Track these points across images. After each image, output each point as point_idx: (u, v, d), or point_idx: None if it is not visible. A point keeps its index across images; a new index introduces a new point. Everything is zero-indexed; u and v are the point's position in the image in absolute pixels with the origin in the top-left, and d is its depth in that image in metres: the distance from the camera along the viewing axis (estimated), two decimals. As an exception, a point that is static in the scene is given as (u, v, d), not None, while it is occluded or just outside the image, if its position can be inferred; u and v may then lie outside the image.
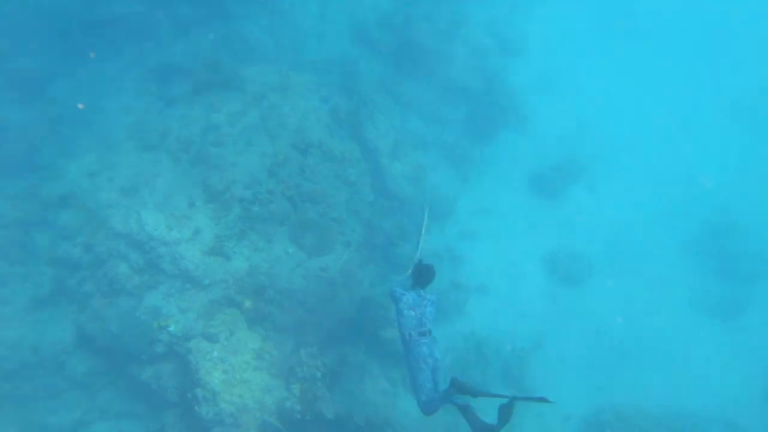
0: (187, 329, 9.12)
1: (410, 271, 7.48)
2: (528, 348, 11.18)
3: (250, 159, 10.14)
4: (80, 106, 9.44)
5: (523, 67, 13.46)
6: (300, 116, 10.77)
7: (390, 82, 12.42)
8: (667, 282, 12.19)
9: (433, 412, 6.43)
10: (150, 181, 9.91)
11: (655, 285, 12.10)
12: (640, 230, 12.67)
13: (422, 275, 7.07)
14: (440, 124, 12.64)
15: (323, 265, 9.86)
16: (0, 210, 10.57)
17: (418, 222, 11.46)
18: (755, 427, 10.89)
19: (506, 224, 12.11)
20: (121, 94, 11.62)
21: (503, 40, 13.67)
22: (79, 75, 12.14)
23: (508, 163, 12.65)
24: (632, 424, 10.39)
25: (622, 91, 14.79)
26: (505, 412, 5.58)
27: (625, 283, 11.84)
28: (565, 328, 11.50)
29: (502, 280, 11.60)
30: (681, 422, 10.52)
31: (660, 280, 12.17)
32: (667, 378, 11.31)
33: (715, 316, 12.16)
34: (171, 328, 9.21)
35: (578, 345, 11.59)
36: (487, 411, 5.42)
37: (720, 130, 14.44)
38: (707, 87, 15.39)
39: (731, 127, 14.35)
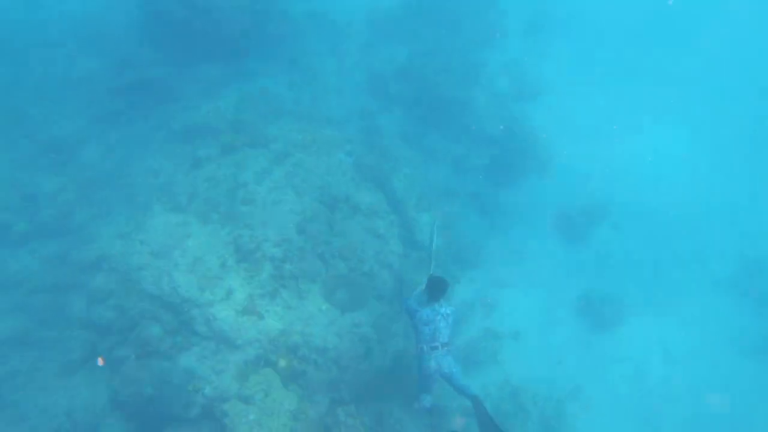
0: (222, 391, 9.06)
1: (424, 286, 7.68)
2: (565, 396, 10.90)
3: (279, 217, 10.28)
4: (100, 361, 9.73)
5: (542, 111, 13.66)
6: (325, 171, 10.97)
7: (411, 133, 12.64)
8: (704, 322, 11.91)
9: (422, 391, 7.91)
10: (180, 242, 10.05)
11: (692, 325, 11.83)
12: (672, 269, 12.48)
13: (435, 288, 7.57)
14: (463, 172, 12.76)
15: (356, 320, 9.83)
16: (35, 274, 10.83)
17: (443, 274, 11.47)
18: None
19: (535, 269, 12.03)
20: (148, 156, 11.93)
21: (521, 85, 13.93)
22: (108, 139, 12.50)
23: (533, 207, 12.67)
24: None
25: (646, 128, 14.86)
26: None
27: (660, 325, 11.58)
28: (602, 374, 11.26)
29: (534, 326, 11.45)
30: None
31: (697, 320, 11.90)
32: (711, 424, 10.92)
33: (755, 355, 11.81)
34: (206, 391, 9.16)
35: (616, 391, 11.30)
36: None
37: (751, 164, 14.35)
38: (737, 119, 15.36)
39: (764, 160, 14.26)
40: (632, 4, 17.89)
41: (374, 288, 10.43)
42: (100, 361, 9.70)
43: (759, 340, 12.03)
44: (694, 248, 12.98)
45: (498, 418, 6.01)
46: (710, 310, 12.35)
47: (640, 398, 11.22)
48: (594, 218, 12.49)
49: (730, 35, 17.75)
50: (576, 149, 13.58)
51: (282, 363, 9.37)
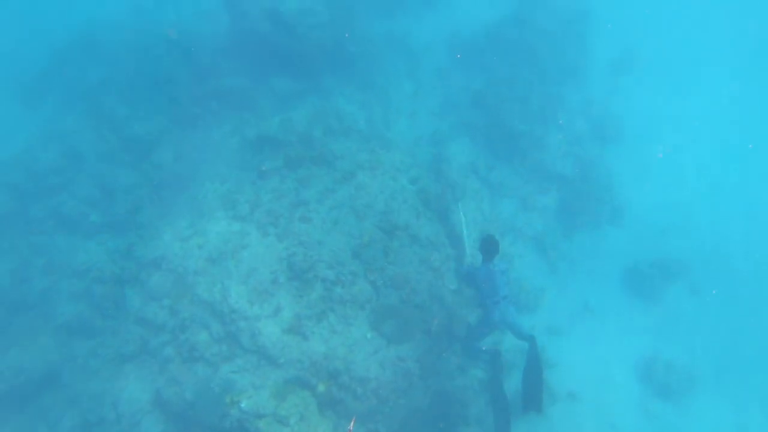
0: (258, 407, 9.01)
1: (465, 265, 9.35)
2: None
3: (335, 238, 10.19)
4: None
5: (620, 155, 12.92)
6: (388, 197, 10.80)
7: (480, 164, 12.29)
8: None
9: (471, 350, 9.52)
10: (237, 252, 10.18)
11: (769, 406, 10.67)
12: (752, 342, 11.34)
13: (488, 247, 8.86)
14: (530, 211, 12.24)
15: (401, 354, 9.55)
16: (101, 265, 11.33)
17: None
18: None
19: (597, 323, 11.29)
20: (218, 162, 12.24)
21: (600, 126, 13.25)
22: (182, 142, 12.98)
23: (602, 256, 11.95)
24: None
25: (731, 182, 13.69)
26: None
27: (735, 407, 10.50)
28: (661, 447, 10.31)
29: (590, 386, 10.66)
30: None
31: (775, 400, 10.71)
32: None
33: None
34: (243, 404, 9.14)
35: (675, 467, 10.33)
36: None
37: None
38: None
39: None
40: (730, 47, 16.77)
41: (423, 321, 10.12)
42: None
43: None
44: (780, 321, 11.76)
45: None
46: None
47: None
48: (669, 275, 11.58)
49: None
50: (654, 199, 12.73)
51: (321, 387, 9.23)
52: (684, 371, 10.76)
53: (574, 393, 10.38)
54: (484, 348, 9.70)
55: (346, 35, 13.81)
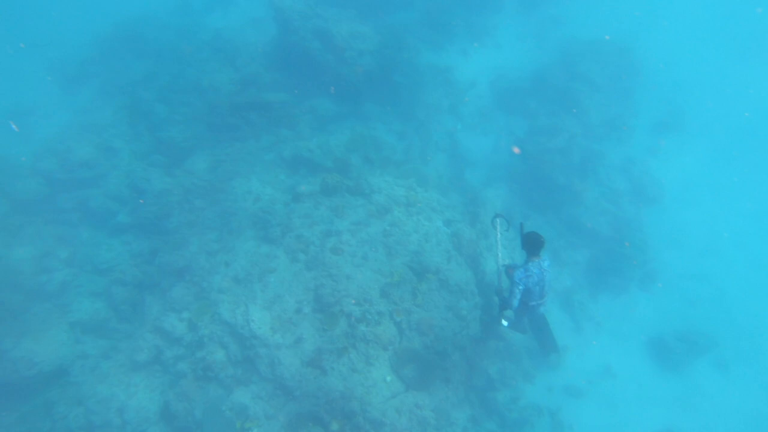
0: (269, 439, 8.82)
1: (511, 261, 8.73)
2: None
3: (365, 274, 10.09)
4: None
5: (657, 218, 12.76)
6: (421, 237, 10.72)
7: (515, 212, 12.14)
8: None
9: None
10: (264, 276, 10.10)
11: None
12: (774, 427, 11.10)
13: (533, 243, 7.63)
14: (560, 266, 12.08)
15: (419, 401, 9.41)
16: (124, 267, 11.32)
17: (516, 370, 10.82)
18: None
19: (617, 389, 11.09)
20: (252, 177, 12.21)
21: (639, 186, 13.12)
22: (218, 151, 12.97)
23: (628, 320, 11.76)
24: None
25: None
26: None
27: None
28: None
29: (604, 452, 10.45)
30: None
31: None
32: None
33: None
34: (253, 433, 8.98)
35: None
36: None
37: None
38: None
39: None
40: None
41: (444, 369, 9.99)
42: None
43: None
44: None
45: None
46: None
47: None
48: (696, 349, 11.37)
49: None
50: (687, 267, 12.55)
51: (334, 426, 9.08)
52: (701, 451, 10.53)
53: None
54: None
55: (392, 62, 13.76)
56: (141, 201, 11.93)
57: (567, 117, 13.67)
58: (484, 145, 13.81)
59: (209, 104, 13.73)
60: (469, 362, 10.43)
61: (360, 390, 9.28)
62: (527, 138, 13.42)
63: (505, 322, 8.16)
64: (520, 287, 7.73)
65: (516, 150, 12.18)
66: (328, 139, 12.98)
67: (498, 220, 8.82)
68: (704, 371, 11.42)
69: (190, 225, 11.75)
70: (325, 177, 11.62)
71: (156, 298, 10.90)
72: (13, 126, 13.96)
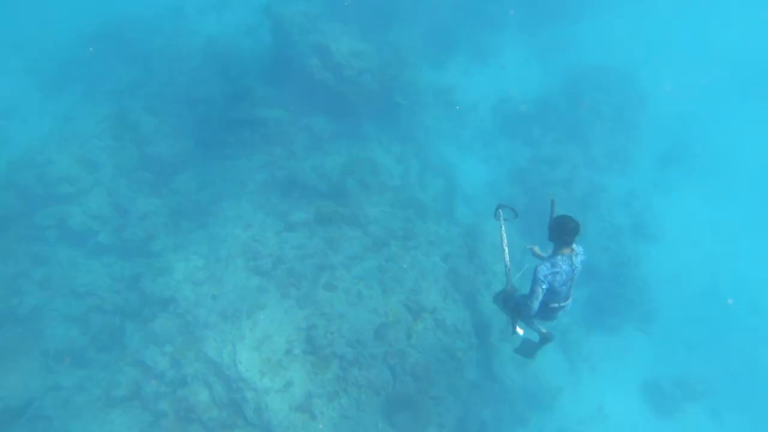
0: (253, 490, 8.38)
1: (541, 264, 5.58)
2: None
3: (359, 313, 9.71)
4: None
5: (657, 256, 12.53)
6: (418, 274, 10.38)
7: (513, 246, 11.76)
8: None
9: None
10: (253, 312, 9.66)
11: None
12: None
13: (565, 229, 5.51)
14: (557, 303, 11.74)
15: (411, 452, 8.99)
16: (103, 292, 10.68)
17: (510, 412, 10.51)
18: None
19: (610, 430, 10.84)
20: (243, 199, 11.69)
21: (640, 222, 12.90)
22: (207, 169, 12.38)
23: (624, 362, 11.55)
24: None
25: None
26: None
27: None
28: None
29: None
30: None
31: None
32: None
33: None
34: (237, 485, 8.52)
35: None
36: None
37: None
38: None
39: None
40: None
41: (438, 414, 9.64)
42: None
43: None
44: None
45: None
46: None
47: None
48: (689, 395, 11.21)
49: None
50: (686, 310, 12.34)
51: (323, 480, 8.69)
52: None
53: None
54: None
55: (393, 82, 13.29)
56: (123, 221, 11.33)
57: (570, 145, 13.36)
58: (484, 172, 13.44)
59: (200, 118, 13.13)
60: (465, 407, 10.10)
61: (351, 439, 8.91)
62: (529, 167, 13.08)
63: (520, 331, 6.44)
64: (544, 286, 5.68)
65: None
66: (324, 160, 12.47)
67: (502, 210, 6.13)
68: (698, 417, 11.26)
69: (176, 248, 11.18)
70: (320, 205, 11.15)
71: (137, 327, 10.33)
72: None
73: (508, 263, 6.38)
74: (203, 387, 9.34)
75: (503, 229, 6.46)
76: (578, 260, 5.69)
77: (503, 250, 6.50)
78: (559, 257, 5.67)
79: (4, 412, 9.80)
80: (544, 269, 5.60)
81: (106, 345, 10.40)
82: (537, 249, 6.21)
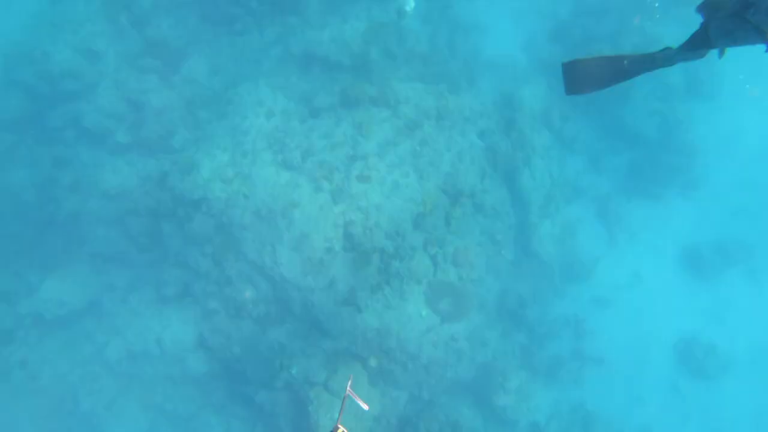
0: (309, 376, 9.07)
1: None
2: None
3: (395, 203, 9.47)
4: None
5: (710, 118, 11.52)
6: (455, 155, 9.93)
7: (554, 113, 11.05)
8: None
9: None
10: (288, 211, 9.49)
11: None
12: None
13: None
14: (598, 172, 11.34)
15: (455, 333, 9.53)
16: (134, 195, 10.52)
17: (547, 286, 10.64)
18: None
19: (645, 297, 11.17)
20: (260, 81, 10.91)
21: (695, 79, 11.63)
22: (217, 50, 11.35)
23: (664, 229, 11.33)
24: None
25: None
26: None
27: (760, 391, 10.76)
28: (682, 423, 10.85)
29: (626, 357, 10.93)
30: None
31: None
32: None
33: None
34: (294, 371, 9.17)
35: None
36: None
37: None
38: None
39: None
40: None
41: (479, 296, 9.88)
42: None
43: None
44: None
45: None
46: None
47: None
48: (729, 260, 11.16)
49: None
50: (734, 174, 11.64)
51: (373, 362, 9.23)
52: (723, 355, 10.91)
53: (606, 359, 10.62)
54: None
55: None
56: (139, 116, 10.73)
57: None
58: (521, 29, 12.01)
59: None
60: (503, 285, 10.29)
61: (396, 326, 9.25)
62: (571, 20, 11.61)
63: None
64: None
65: None
66: (343, 28, 11.20)
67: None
68: (735, 282, 11.32)
69: (198, 142, 10.71)
70: (345, 85, 10.26)
71: (174, 228, 10.31)
72: None
73: None
74: (249, 285, 9.59)
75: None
76: None
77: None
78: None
79: (71, 315, 10.42)
80: None
81: (147, 246, 10.53)
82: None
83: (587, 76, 3.84)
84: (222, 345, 9.76)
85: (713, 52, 3.62)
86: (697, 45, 3.58)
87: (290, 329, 9.40)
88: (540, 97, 11.13)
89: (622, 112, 11.29)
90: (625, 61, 3.85)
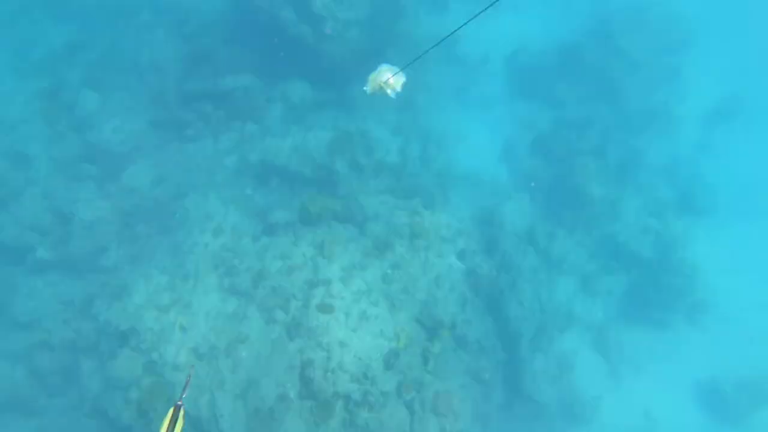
0: None
1: None
2: None
3: (363, 339, 8.06)
4: None
5: (709, 233, 10.70)
6: (431, 281, 8.72)
7: (539, 231, 10.08)
8: None
9: None
10: (233, 348, 7.94)
11: None
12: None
13: None
14: (592, 296, 10.14)
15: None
16: (50, 325, 8.83)
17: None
18: None
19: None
20: (210, 193, 9.73)
21: (687, 193, 10.96)
22: (165, 156, 10.25)
23: (674, 362, 10.00)
24: None
25: None
26: None
27: None
28: None
29: None
30: None
31: None
32: None
33: None
34: None
35: None
36: None
37: None
38: None
39: None
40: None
41: (463, 454, 8.09)
42: None
43: None
44: None
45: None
46: None
47: None
48: (755, 399, 9.73)
49: None
50: (747, 295, 10.58)
51: None
52: None
53: None
54: None
55: (388, 38, 10.90)
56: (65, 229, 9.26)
57: (601, 104, 11.37)
58: (498, 140, 11.33)
59: (152, 91, 10.79)
60: (494, 436, 8.57)
61: (363, 499, 7.34)
62: (553, 134, 10.98)
63: None
64: None
65: None
66: (306, 137, 10.30)
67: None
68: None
69: (134, 260, 9.28)
70: (305, 199, 9.09)
71: (94, 366, 8.54)
72: None
73: None
74: (179, 443, 7.65)
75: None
76: None
77: None
78: None
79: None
80: None
81: (58, 390, 8.64)
82: None
83: None
84: None
85: None
86: None
87: (227, 504, 7.36)
88: (523, 214, 10.15)
89: (612, 229, 10.35)
90: None
